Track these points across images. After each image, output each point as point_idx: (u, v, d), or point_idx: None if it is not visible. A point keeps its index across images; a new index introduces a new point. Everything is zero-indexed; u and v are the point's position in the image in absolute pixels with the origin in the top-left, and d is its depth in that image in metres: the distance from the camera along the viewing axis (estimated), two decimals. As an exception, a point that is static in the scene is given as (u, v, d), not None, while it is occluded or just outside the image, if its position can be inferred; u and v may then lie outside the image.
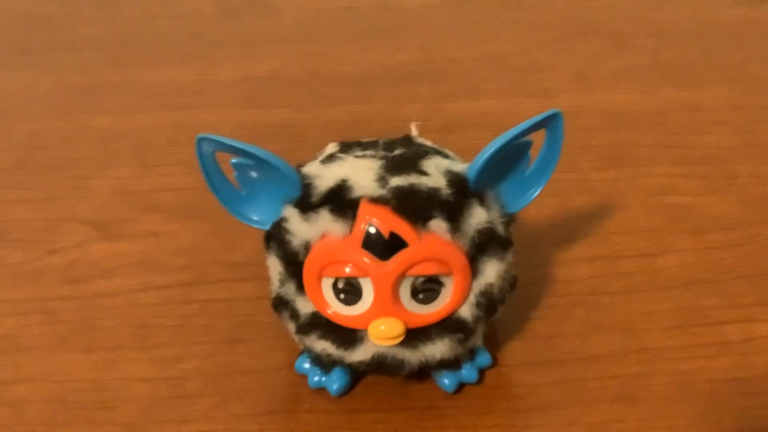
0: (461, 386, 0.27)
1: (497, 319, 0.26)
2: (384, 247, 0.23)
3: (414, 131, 0.28)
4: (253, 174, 0.25)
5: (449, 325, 0.25)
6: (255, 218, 0.26)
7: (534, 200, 0.27)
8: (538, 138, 0.26)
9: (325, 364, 0.26)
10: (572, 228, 0.34)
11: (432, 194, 0.24)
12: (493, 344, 0.28)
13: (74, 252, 0.34)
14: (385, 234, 0.23)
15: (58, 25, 0.55)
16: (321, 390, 0.27)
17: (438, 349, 0.25)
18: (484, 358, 0.27)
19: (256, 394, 0.27)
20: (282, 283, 0.25)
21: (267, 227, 0.25)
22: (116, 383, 0.28)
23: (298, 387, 0.27)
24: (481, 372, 0.27)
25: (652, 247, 0.33)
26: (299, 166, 0.26)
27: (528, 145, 0.26)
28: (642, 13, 0.53)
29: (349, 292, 0.24)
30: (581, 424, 0.26)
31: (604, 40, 0.50)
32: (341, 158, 0.25)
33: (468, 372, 0.26)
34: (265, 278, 0.26)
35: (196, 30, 0.54)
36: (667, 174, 0.37)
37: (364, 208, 0.23)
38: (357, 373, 0.27)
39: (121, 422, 0.26)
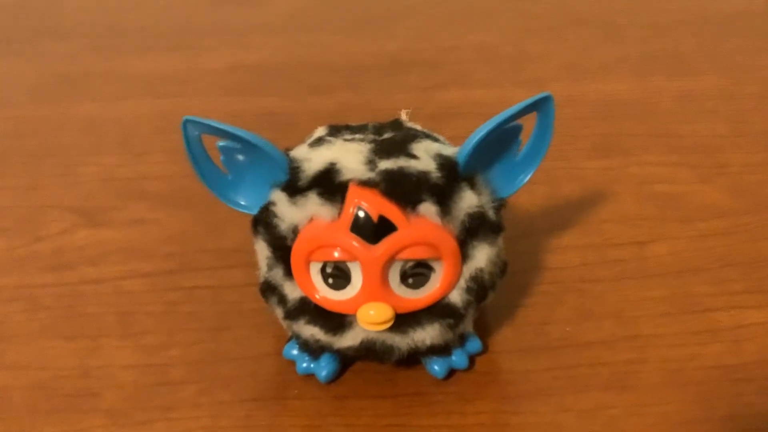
0: (451, 372, 0.26)
1: (488, 305, 0.26)
2: (373, 230, 0.23)
3: (404, 118, 0.28)
4: (240, 157, 0.25)
5: (439, 310, 0.24)
6: (242, 203, 0.26)
7: (525, 188, 0.26)
8: (529, 124, 0.25)
9: (313, 350, 0.26)
10: (563, 216, 0.34)
11: (421, 177, 0.23)
12: (483, 330, 0.28)
13: (59, 239, 0.34)
14: (374, 217, 0.23)
15: (44, 13, 0.54)
16: (309, 377, 0.26)
17: (428, 334, 0.24)
18: (474, 345, 0.26)
19: (243, 380, 0.27)
20: (270, 267, 0.25)
21: (254, 212, 0.25)
22: (101, 370, 0.27)
23: (286, 374, 0.27)
24: (472, 358, 0.27)
25: (643, 235, 0.33)
26: (287, 149, 0.25)
27: (519, 130, 0.25)
28: (634, 2, 0.53)
29: (338, 276, 0.24)
30: (572, 411, 0.25)
31: (596, 29, 0.50)
32: (330, 141, 0.25)
33: (458, 358, 0.26)
34: (252, 265, 0.26)
35: (183, 18, 0.53)
36: (658, 162, 0.37)
37: (352, 191, 0.23)
38: (346, 360, 0.26)
39: (106, 409, 0.26)
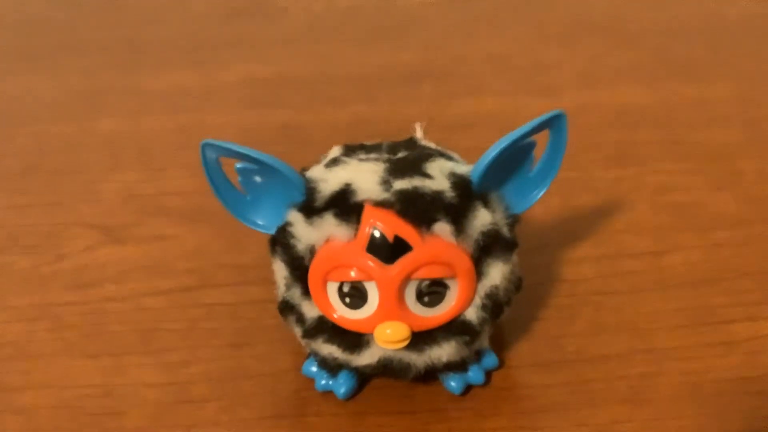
0: (468, 388, 0.27)
1: (503, 320, 0.26)
2: (388, 250, 0.23)
3: (419, 131, 0.28)
4: (258, 178, 0.25)
5: (455, 327, 0.25)
6: (260, 222, 0.26)
7: (538, 200, 0.27)
8: (542, 138, 0.26)
9: (331, 367, 0.26)
10: (577, 227, 0.34)
11: (436, 197, 0.24)
12: (499, 345, 0.28)
13: (82, 257, 0.34)
14: (390, 238, 0.23)
15: (62, 30, 0.55)
16: (328, 393, 0.27)
17: (444, 351, 0.25)
18: (490, 360, 0.27)
19: (263, 397, 0.27)
20: (288, 287, 0.25)
21: (272, 231, 0.25)
22: (124, 389, 0.28)
23: (305, 390, 0.27)
24: (488, 374, 0.27)
25: (658, 246, 0.33)
26: (303, 170, 0.26)
27: (532, 146, 0.26)
28: (646, 9, 0.53)
29: (355, 296, 0.24)
30: (589, 425, 0.26)
31: (608, 37, 0.50)
32: (345, 162, 0.25)
33: (474, 374, 0.26)
34: (271, 281, 0.26)
35: (199, 33, 0.54)
36: (672, 171, 0.37)
37: (368, 212, 0.23)
38: (364, 377, 0.27)
39: (130, 428, 0.26)
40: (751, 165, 0.37)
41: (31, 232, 0.36)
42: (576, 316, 0.30)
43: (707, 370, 0.27)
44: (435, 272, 0.24)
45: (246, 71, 0.48)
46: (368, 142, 0.27)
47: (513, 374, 0.28)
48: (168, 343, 0.30)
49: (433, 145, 0.27)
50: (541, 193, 0.26)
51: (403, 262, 0.23)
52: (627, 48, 0.48)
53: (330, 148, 0.27)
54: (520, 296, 0.27)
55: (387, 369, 0.25)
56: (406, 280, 0.23)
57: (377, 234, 0.23)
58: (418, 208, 0.23)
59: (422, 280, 0.24)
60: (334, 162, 0.26)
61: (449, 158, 0.26)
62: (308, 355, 0.27)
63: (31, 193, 0.39)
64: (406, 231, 0.23)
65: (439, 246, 0.23)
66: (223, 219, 0.31)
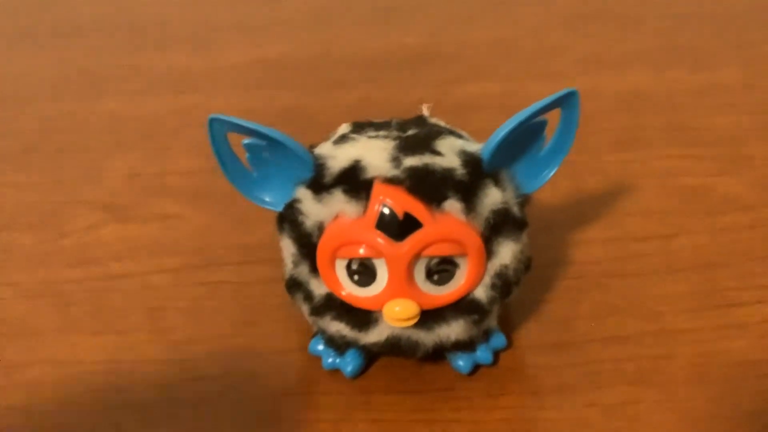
0: (476, 368, 0.26)
1: (512, 300, 0.26)
2: (398, 227, 0.23)
3: (426, 112, 0.28)
4: (266, 155, 0.25)
5: (464, 306, 0.24)
6: (267, 200, 0.26)
7: (547, 182, 0.26)
8: (553, 118, 0.25)
9: (339, 345, 0.26)
10: (586, 209, 0.34)
11: (446, 174, 0.23)
12: (507, 326, 0.28)
13: (85, 235, 0.34)
14: (399, 214, 0.23)
15: (64, 9, 0.55)
16: (335, 372, 0.26)
17: (452, 330, 0.24)
18: (498, 340, 0.27)
19: (270, 376, 0.27)
20: (295, 264, 0.25)
21: (279, 208, 0.25)
22: (129, 365, 0.28)
23: (312, 369, 0.27)
24: (496, 354, 0.27)
25: (667, 229, 0.33)
26: (312, 147, 0.25)
27: (543, 125, 0.25)
28: (654, -6, 0.52)
29: (363, 273, 0.24)
30: (598, 406, 0.25)
31: (615, 22, 0.49)
32: (354, 139, 0.25)
33: (483, 353, 0.26)
34: (277, 261, 0.26)
35: (204, 14, 0.53)
36: (680, 155, 0.37)
37: (377, 188, 0.23)
38: (371, 355, 0.26)
39: (135, 404, 0.26)
40: (758, 150, 0.37)
41: (33, 211, 0.36)
42: (584, 297, 0.30)
43: (716, 353, 0.27)
44: (445, 250, 0.23)
45: (250, 53, 0.48)
46: (377, 120, 0.27)
47: (521, 354, 0.27)
48: (173, 322, 0.29)
49: (442, 123, 0.27)
50: (552, 173, 0.26)
51: (413, 240, 0.23)
52: (633, 33, 0.48)
53: (334, 130, 0.27)
54: (528, 277, 0.26)
55: (395, 347, 0.25)
56: (416, 257, 0.23)
57: (387, 211, 0.23)
58: (429, 185, 0.23)
59: (432, 257, 0.24)
60: (343, 139, 0.25)
61: (459, 136, 0.26)
62: (315, 333, 0.27)
63: (33, 171, 0.38)
64: (416, 208, 0.23)
65: (449, 223, 0.23)
66: (228, 199, 0.31)
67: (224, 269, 0.32)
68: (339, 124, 0.27)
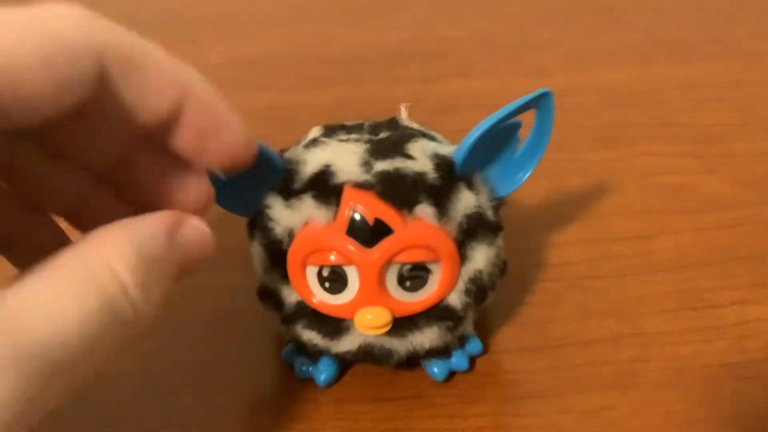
0: (451, 374, 0.26)
1: (487, 305, 0.26)
2: (369, 233, 0.22)
3: (404, 113, 0.28)
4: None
5: (438, 312, 0.24)
6: (237, 206, 0.25)
7: (526, 181, 0.26)
8: (528, 118, 0.25)
9: (311, 353, 0.25)
10: (565, 210, 0.34)
11: (418, 179, 0.23)
12: (483, 330, 0.28)
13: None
14: (370, 220, 0.22)
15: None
16: (308, 380, 0.26)
17: (426, 337, 0.24)
18: (474, 346, 0.26)
19: (242, 384, 0.27)
20: (266, 272, 0.24)
21: (250, 215, 0.25)
22: (100, 378, 0.27)
23: (285, 377, 0.26)
24: (472, 359, 0.26)
25: (647, 229, 0.32)
26: (282, 151, 0.25)
27: (517, 127, 0.25)
28: (638, -13, 0.52)
29: (334, 280, 0.23)
30: (575, 412, 0.25)
31: (599, 16, 0.49)
32: (324, 142, 0.24)
33: (458, 360, 0.26)
34: (251, 266, 0.26)
35: (182, 11, 0.53)
36: (663, 153, 0.37)
37: (348, 194, 0.23)
38: (345, 363, 0.26)
39: (103, 416, 0.26)
40: (743, 147, 0.37)
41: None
42: (562, 300, 0.29)
43: (695, 355, 0.27)
44: (417, 256, 0.23)
45: (229, 52, 0.47)
46: (349, 123, 0.26)
47: (497, 360, 0.27)
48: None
49: (416, 126, 0.27)
50: (527, 175, 0.26)
51: (384, 246, 0.23)
52: (617, 27, 0.48)
53: (305, 134, 0.27)
54: (505, 280, 0.26)
55: (368, 355, 0.24)
56: (387, 264, 0.23)
57: (357, 216, 0.23)
58: (400, 190, 0.23)
59: (404, 264, 0.23)
60: (314, 143, 0.25)
61: (432, 138, 0.25)
62: (287, 342, 0.26)
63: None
64: (387, 213, 0.23)
65: (421, 229, 0.23)
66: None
67: (197, 275, 0.31)
68: (319, 123, 0.27)
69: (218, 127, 0.20)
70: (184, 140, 0.19)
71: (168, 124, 0.19)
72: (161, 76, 0.19)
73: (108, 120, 0.19)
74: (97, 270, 0.17)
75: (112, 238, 0.18)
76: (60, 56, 0.16)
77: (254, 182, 0.24)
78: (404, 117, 0.27)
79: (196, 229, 0.20)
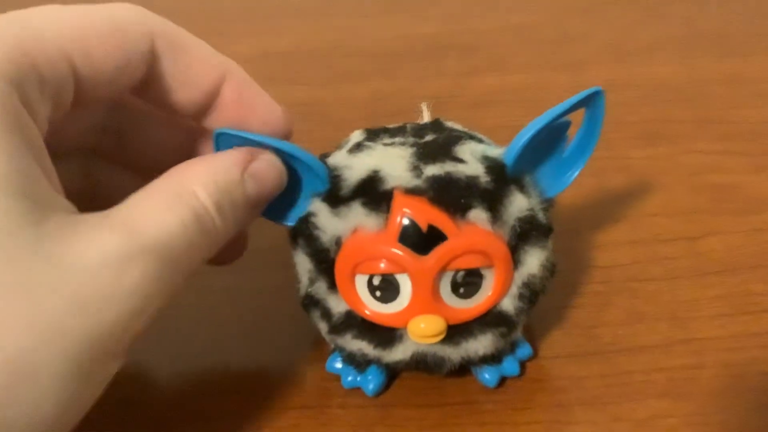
0: (501, 380, 0.26)
1: (536, 307, 0.25)
2: (422, 240, 0.22)
3: (425, 112, 0.27)
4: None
5: (491, 318, 0.23)
6: (279, 214, 0.24)
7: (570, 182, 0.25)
8: (575, 117, 0.24)
9: (359, 363, 0.25)
10: (611, 210, 0.33)
11: (471, 183, 0.22)
12: (531, 335, 0.27)
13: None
14: (423, 227, 0.22)
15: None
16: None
17: (480, 344, 0.24)
18: (525, 350, 0.26)
19: (286, 389, 0.26)
20: (312, 281, 0.24)
21: (292, 223, 0.24)
22: (140, 378, 0.27)
23: (329, 381, 0.26)
24: (522, 364, 0.26)
25: (695, 230, 0.32)
26: (323, 156, 0.24)
27: (566, 126, 0.24)
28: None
29: (386, 289, 0.23)
30: (628, 420, 0.24)
31: (639, 7, 0.48)
32: (369, 147, 0.24)
33: (510, 365, 0.25)
34: (291, 266, 0.25)
35: (211, 4, 0.52)
36: (709, 151, 0.36)
37: (398, 200, 0.22)
38: (394, 372, 0.26)
39: (149, 418, 0.26)
40: (791, 144, 0.36)
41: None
42: (611, 304, 0.29)
43: (751, 362, 0.26)
44: (472, 262, 0.22)
45: (261, 45, 0.47)
46: (391, 125, 0.26)
47: (547, 365, 0.26)
48: (186, 332, 0.29)
49: (459, 127, 0.26)
50: (576, 174, 0.25)
51: (438, 253, 0.22)
52: (657, 20, 0.46)
53: (349, 125, 0.26)
54: (552, 283, 0.25)
55: (420, 364, 0.24)
56: (441, 271, 0.22)
57: (409, 223, 0.22)
58: (453, 195, 0.22)
59: (458, 270, 0.23)
60: (358, 147, 0.24)
61: (479, 140, 0.25)
62: (332, 351, 0.26)
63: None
64: (440, 219, 0.22)
65: (475, 234, 0.22)
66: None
67: (237, 276, 0.31)
68: (354, 119, 0.26)
69: (255, 103, 0.24)
70: (226, 115, 0.23)
71: (210, 100, 0.23)
72: (203, 58, 0.23)
73: (163, 100, 0.23)
74: (184, 193, 0.20)
75: (193, 169, 0.21)
76: (119, 37, 0.21)
77: (295, 189, 0.24)
78: (426, 116, 0.27)
79: (266, 162, 0.23)
